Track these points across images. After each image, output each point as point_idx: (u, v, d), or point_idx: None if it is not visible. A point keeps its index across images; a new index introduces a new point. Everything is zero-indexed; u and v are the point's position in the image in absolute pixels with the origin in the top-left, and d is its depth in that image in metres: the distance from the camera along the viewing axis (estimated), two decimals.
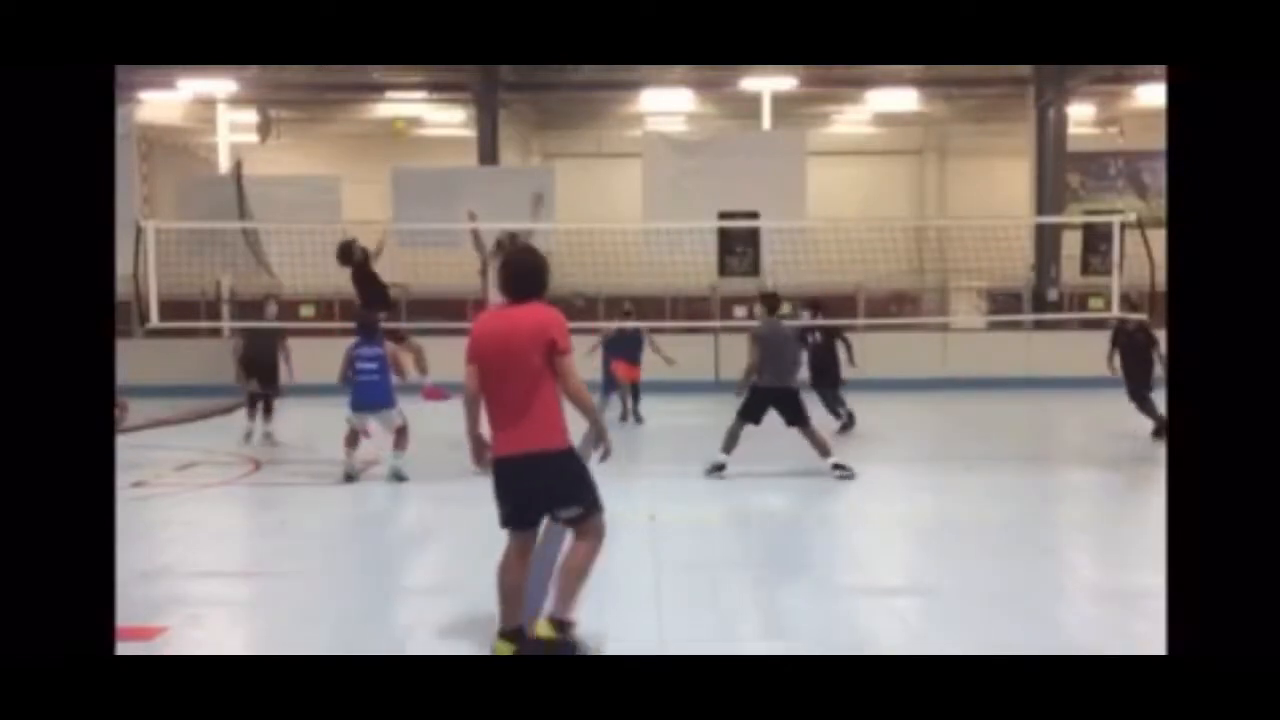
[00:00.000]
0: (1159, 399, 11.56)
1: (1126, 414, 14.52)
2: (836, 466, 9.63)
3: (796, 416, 9.70)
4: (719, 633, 5.41)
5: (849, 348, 12.98)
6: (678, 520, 8.09)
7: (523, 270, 4.86)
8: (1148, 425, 11.87)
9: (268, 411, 12.24)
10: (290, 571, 6.96)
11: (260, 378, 12.21)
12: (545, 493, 4.83)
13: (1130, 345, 11.96)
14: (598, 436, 4.93)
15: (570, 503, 4.85)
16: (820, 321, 12.78)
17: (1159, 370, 11.72)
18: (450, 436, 11.97)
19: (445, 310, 15.95)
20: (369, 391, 9.82)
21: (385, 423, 9.91)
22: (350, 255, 11.08)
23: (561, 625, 4.83)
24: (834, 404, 12.63)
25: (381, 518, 8.76)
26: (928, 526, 8.23)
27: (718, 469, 9.69)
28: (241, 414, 12.73)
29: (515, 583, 4.91)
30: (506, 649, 4.86)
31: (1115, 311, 11.85)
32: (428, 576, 7.15)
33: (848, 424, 12.59)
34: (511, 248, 5.06)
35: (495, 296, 10.12)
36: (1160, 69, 7.77)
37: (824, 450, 9.69)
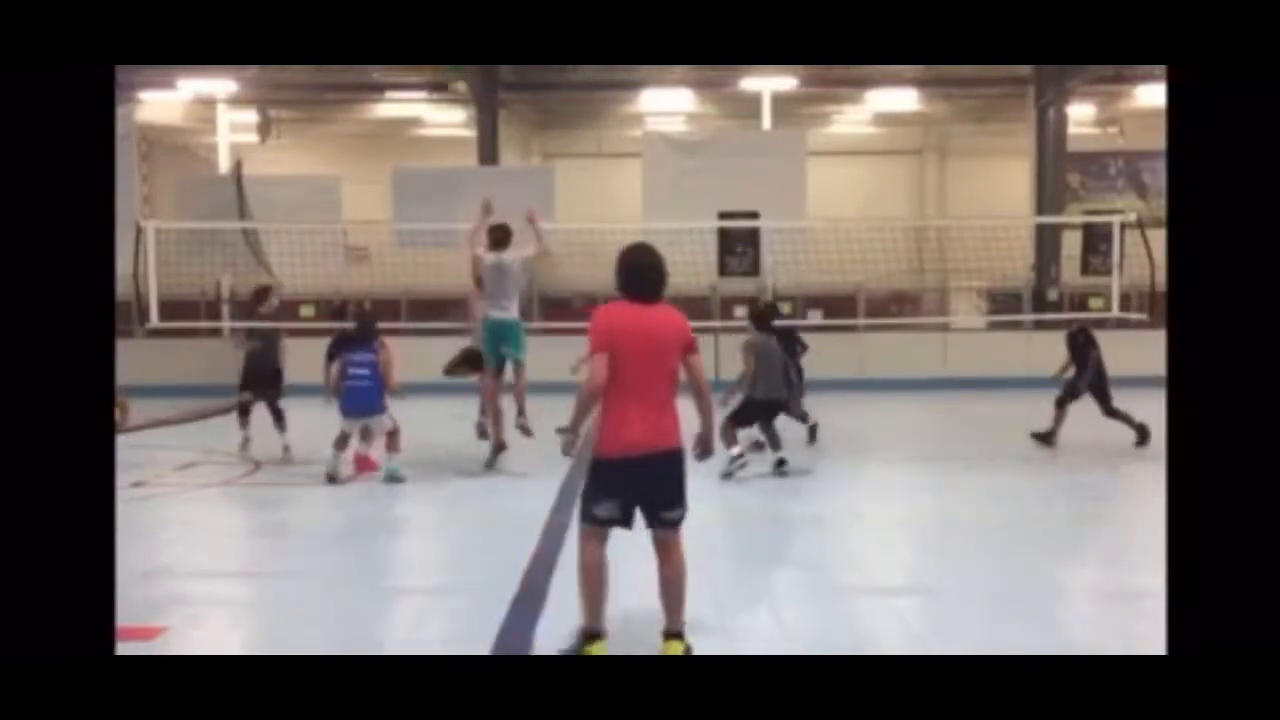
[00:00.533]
0: (1146, 401, 11.48)
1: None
2: (779, 463, 9.89)
3: (773, 419, 10.15)
4: (719, 633, 5.41)
5: (803, 349, 12.37)
6: None
7: (648, 264, 4.94)
8: (1150, 425, 11.79)
9: (278, 419, 11.15)
10: (290, 571, 6.96)
11: (259, 387, 11.21)
12: (663, 491, 4.81)
13: (1072, 347, 11.64)
14: (706, 437, 5.05)
15: (679, 503, 4.86)
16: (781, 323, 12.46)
17: (1091, 371, 11.46)
18: (446, 442, 12.00)
19: (445, 311, 15.97)
20: (359, 397, 9.70)
21: (377, 428, 9.85)
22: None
23: (682, 635, 4.88)
24: (800, 411, 11.95)
25: (381, 518, 8.76)
26: (928, 526, 8.23)
27: (738, 459, 9.64)
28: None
29: (604, 581, 4.88)
30: (603, 649, 4.87)
31: (1115, 311, 11.84)
32: (428, 576, 7.15)
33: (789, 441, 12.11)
34: (627, 246, 5.12)
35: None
36: (1160, 69, 7.79)
37: (776, 445, 9.99)
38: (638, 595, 6.06)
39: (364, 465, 10.10)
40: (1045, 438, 11.65)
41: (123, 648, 3.62)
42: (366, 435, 10.05)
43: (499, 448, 10.13)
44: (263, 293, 11.64)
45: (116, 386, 6.20)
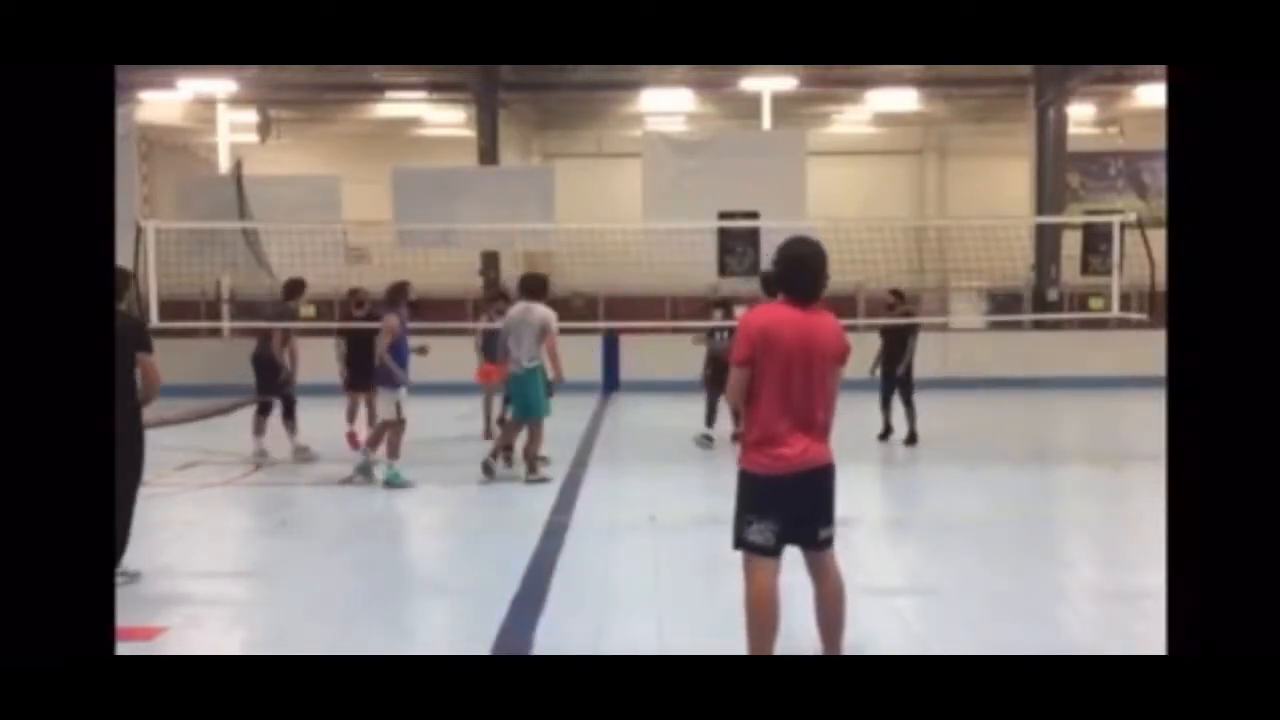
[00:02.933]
0: (1146, 401, 11.46)
1: (1125, 414, 14.52)
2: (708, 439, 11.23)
3: None
4: (719, 633, 5.40)
5: None
6: (677, 520, 8.09)
7: (813, 260, 4.37)
8: (1150, 426, 11.76)
9: (286, 417, 11.01)
10: (290, 571, 6.97)
11: (257, 384, 11.22)
12: (817, 510, 4.45)
13: (895, 336, 11.78)
14: None
15: (831, 521, 4.51)
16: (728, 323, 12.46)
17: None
18: (447, 442, 12.01)
19: (445, 311, 15.95)
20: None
21: (380, 408, 9.74)
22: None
23: None
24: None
25: (381, 518, 8.76)
26: (928, 526, 8.23)
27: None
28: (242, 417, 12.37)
29: (775, 617, 4.45)
30: None
31: (1115, 311, 11.85)
32: (428, 576, 7.15)
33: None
34: (788, 239, 4.52)
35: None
36: (1160, 69, 7.80)
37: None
38: (640, 598, 6.08)
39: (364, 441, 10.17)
40: (909, 438, 11.91)
41: (123, 648, 3.62)
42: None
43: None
44: (297, 287, 11.39)
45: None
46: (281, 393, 10.99)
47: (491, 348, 11.10)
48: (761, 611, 4.40)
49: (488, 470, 9.63)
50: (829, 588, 4.53)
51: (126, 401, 6.27)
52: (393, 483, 9.48)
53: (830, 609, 4.55)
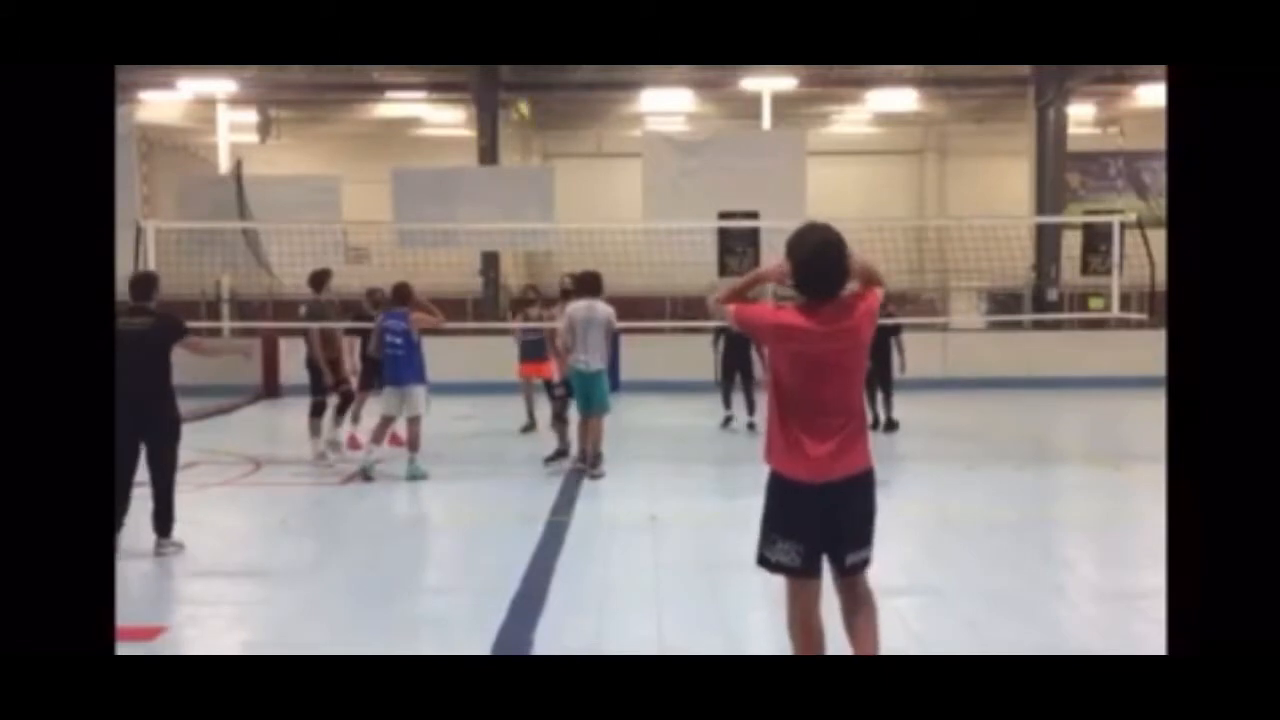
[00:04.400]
0: (1146, 401, 11.45)
1: (1125, 414, 14.53)
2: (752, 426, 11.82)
3: None
4: (719, 633, 5.41)
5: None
6: (678, 520, 8.09)
7: (833, 254, 3.87)
8: (1150, 426, 11.72)
9: (314, 414, 10.84)
10: (290, 571, 6.97)
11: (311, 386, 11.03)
12: (852, 527, 3.92)
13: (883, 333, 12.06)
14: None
15: (869, 541, 3.96)
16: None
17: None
18: (447, 441, 11.99)
19: (444, 310, 15.90)
20: (394, 366, 9.75)
21: (409, 403, 9.72)
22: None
23: None
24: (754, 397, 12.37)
25: (381, 517, 8.76)
26: (928, 526, 8.22)
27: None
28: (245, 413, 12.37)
29: (819, 644, 3.97)
30: None
31: (1115, 311, 11.85)
32: (428, 576, 7.16)
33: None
34: (803, 228, 3.97)
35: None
36: (1160, 69, 7.81)
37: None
38: (640, 598, 6.05)
39: (394, 441, 10.23)
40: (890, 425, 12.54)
41: (123, 648, 3.62)
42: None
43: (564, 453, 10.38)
44: (322, 277, 11.19)
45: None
46: (339, 390, 10.98)
47: (536, 349, 12.21)
48: (804, 640, 3.96)
49: (594, 476, 9.78)
50: (861, 616, 4.03)
51: (170, 389, 7.17)
52: (416, 476, 9.64)
53: (864, 639, 4.03)
